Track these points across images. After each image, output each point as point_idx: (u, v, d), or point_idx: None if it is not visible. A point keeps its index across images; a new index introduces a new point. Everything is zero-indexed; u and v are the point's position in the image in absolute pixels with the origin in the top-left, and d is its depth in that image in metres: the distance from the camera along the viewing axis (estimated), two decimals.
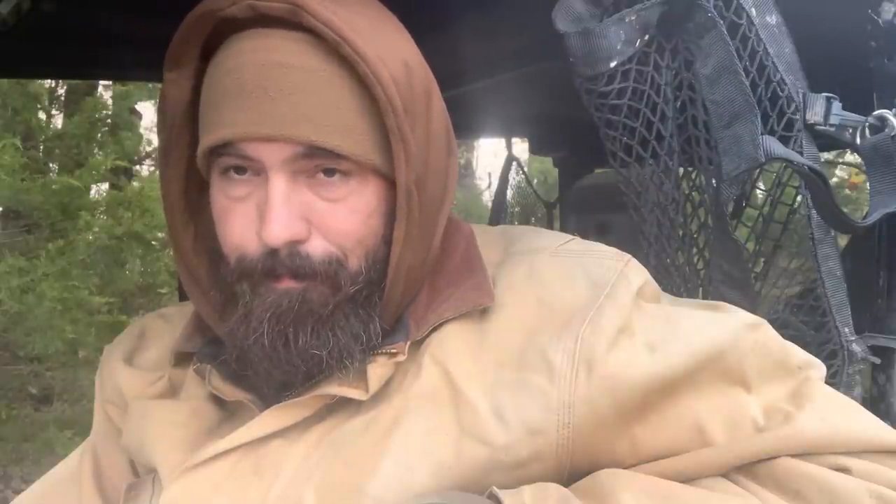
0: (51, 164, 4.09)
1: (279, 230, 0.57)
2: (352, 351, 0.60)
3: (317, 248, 0.60)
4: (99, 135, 3.85)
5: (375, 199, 0.61)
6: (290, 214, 0.58)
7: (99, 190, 4.61)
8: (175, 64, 0.63)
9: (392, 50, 0.60)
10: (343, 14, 0.58)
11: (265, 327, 0.59)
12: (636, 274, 0.65)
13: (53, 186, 3.35)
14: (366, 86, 0.58)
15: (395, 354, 0.62)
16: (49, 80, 4.17)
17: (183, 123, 0.64)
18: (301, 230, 0.59)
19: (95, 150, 3.72)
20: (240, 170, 0.60)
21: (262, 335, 0.59)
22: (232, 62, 0.59)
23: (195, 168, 0.65)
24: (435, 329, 0.63)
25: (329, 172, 0.59)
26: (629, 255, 0.66)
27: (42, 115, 4.03)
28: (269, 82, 0.57)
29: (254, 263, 0.60)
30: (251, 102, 0.57)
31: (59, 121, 4.55)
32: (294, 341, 0.59)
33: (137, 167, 5.22)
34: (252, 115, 0.57)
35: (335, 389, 0.61)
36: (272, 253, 0.59)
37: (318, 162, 0.59)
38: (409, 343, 0.62)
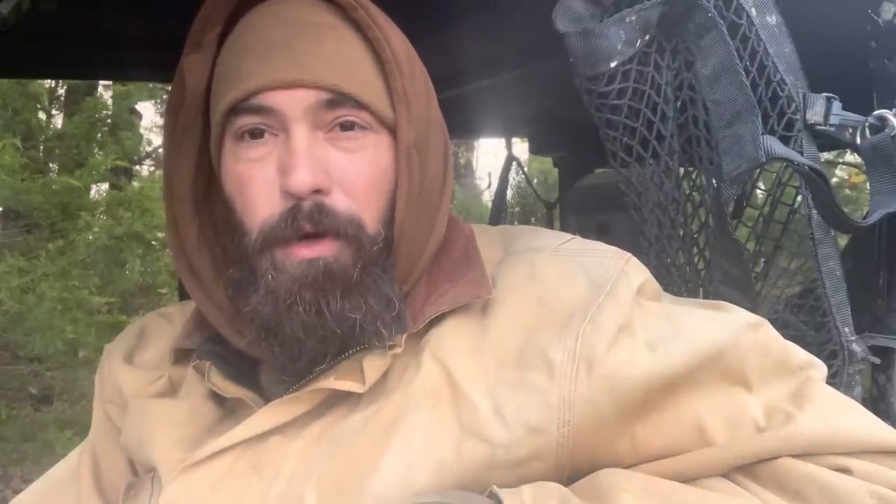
0: (51, 164, 4.09)
1: (305, 176, 0.58)
2: (384, 316, 0.61)
3: (339, 203, 0.60)
4: (99, 135, 3.85)
5: (388, 157, 0.63)
6: (314, 162, 0.59)
7: (99, 190, 4.61)
8: (196, 46, 0.64)
9: (396, 29, 0.64)
10: None
11: (296, 297, 0.58)
12: (637, 272, 0.65)
13: (53, 186, 3.35)
14: (374, 51, 0.61)
15: (391, 347, 0.62)
16: (49, 80, 4.17)
17: (197, 109, 0.65)
18: (325, 180, 0.59)
19: (95, 150, 3.72)
20: (255, 134, 0.61)
21: (294, 304, 0.58)
22: (256, 24, 0.62)
23: (203, 161, 0.66)
24: (434, 325, 0.63)
25: (347, 126, 0.61)
26: (629, 254, 0.66)
27: (42, 115, 4.03)
28: (293, 37, 0.60)
29: (278, 225, 0.59)
30: (275, 54, 0.59)
31: (59, 121, 4.56)
32: (327, 308, 0.59)
33: (137, 167, 5.23)
34: (277, 65, 0.59)
35: (332, 383, 0.61)
36: (296, 209, 0.59)
37: (339, 113, 0.60)
38: (405, 336, 0.62)
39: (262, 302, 0.60)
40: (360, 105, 0.60)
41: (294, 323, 0.59)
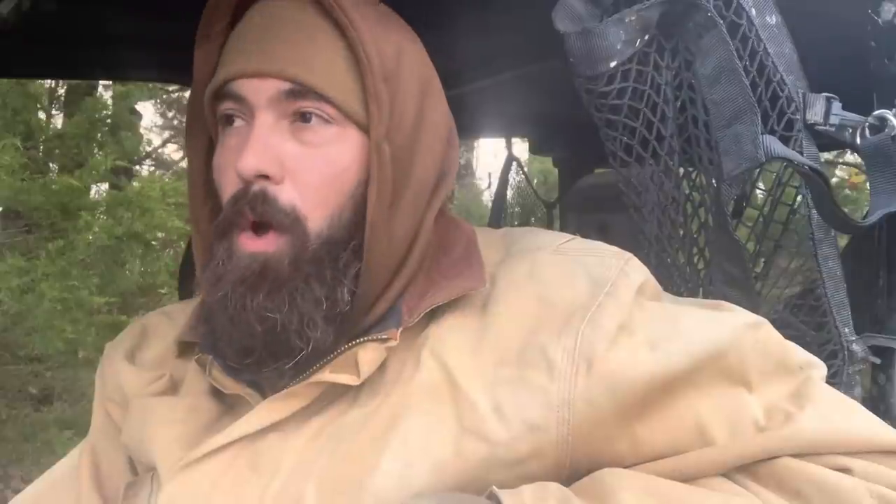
0: (51, 164, 4.09)
1: (250, 159, 0.60)
2: (314, 317, 0.61)
3: (283, 194, 0.61)
4: (99, 135, 3.84)
5: (351, 154, 0.63)
6: (265, 149, 0.60)
7: (99, 190, 4.61)
8: (205, 37, 0.67)
9: (387, 32, 0.64)
10: None
11: (228, 290, 0.60)
12: (637, 272, 0.65)
13: (53, 186, 3.35)
14: (354, 54, 0.62)
15: (386, 340, 0.62)
16: (49, 80, 4.17)
17: (203, 100, 0.67)
18: (274, 168, 0.61)
19: (95, 150, 3.72)
20: (230, 120, 0.64)
21: (226, 297, 0.60)
22: (248, 18, 0.65)
23: (212, 150, 0.68)
24: (434, 323, 0.63)
25: (307, 118, 0.62)
26: (630, 254, 0.66)
27: (42, 115, 4.03)
28: (270, 30, 0.63)
29: (227, 208, 0.62)
30: (250, 47, 0.63)
31: (59, 121, 4.56)
32: (251, 302, 0.60)
33: (137, 167, 5.23)
34: (250, 55, 0.62)
35: (327, 376, 0.61)
36: (242, 193, 0.61)
37: (302, 104, 0.61)
38: (400, 329, 0.62)
39: (209, 290, 0.62)
40: (322, 98, 0.61)
41: (223, 315, 0.60)
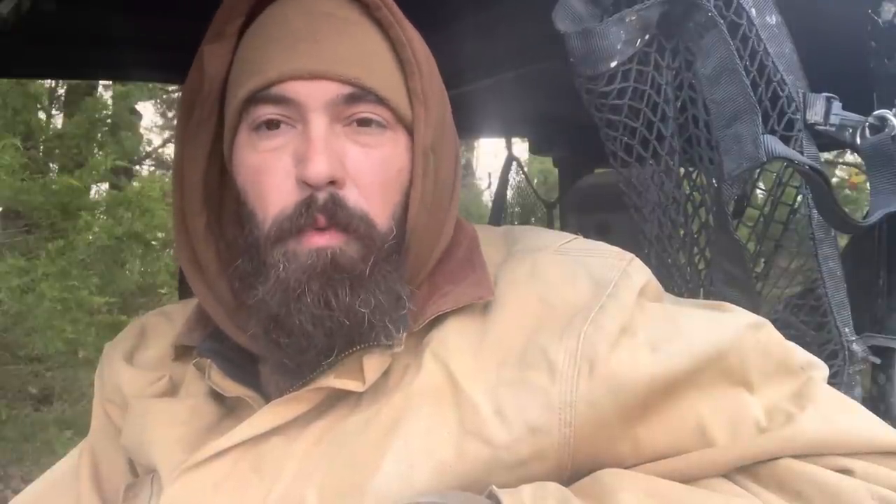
0: (51, 164, 4.09)
1: (322, 165, 0.57)
2: (392, 313, 0.60)
3: (350, 197, 0.60)
4: (99, 135, 3.85)
5: (404, 157, 0.63)
6: (331, 153, 0.58)
7: (99, 190, 4.62)
8: (218, 36, 0.64)
9: (418, 34, 0.64)
10: None
11: (304, 288, 0.58)
12: (639, 273, 0.64)
13: (53, 186, 3.35)
14: (395, 50, 0.61)
15: (391, 346, 0.61)
16: (49, 80, 4.17)
17: (214, 99, 0.64)
18: (341, 171, 0.59)
19: (95, 150, 3.72)
20: (272, 124, 0.60)
21: (304, 294, 0.58)
22: (279, 15, 0.62)
23: (215, 153, 0.66)
24: (436, 326, 0.63)
25: (365, 122, 0.60)
26: (632, 255, 0.66)
27: (42, 115, 4.03)
28: (316, 29, 0.60)
29: (293, 215, 0.59)
30: (298, 45, 0.59)
31: (59, 121, 4.56)
32: (335, 299, 0.58)
33: (137, 167, 5.23)
34: (300, 56, 0.59)
35: (332, 382, 0.61)
36: (311, 199, 0.58)
37: (359, 108, 0.60)
38: (405, 335, 0.62)
39: (270, 292, 0.59)
40: (380, 101, 0.60)
41: (303, 314, 0.58)
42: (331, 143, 0.59)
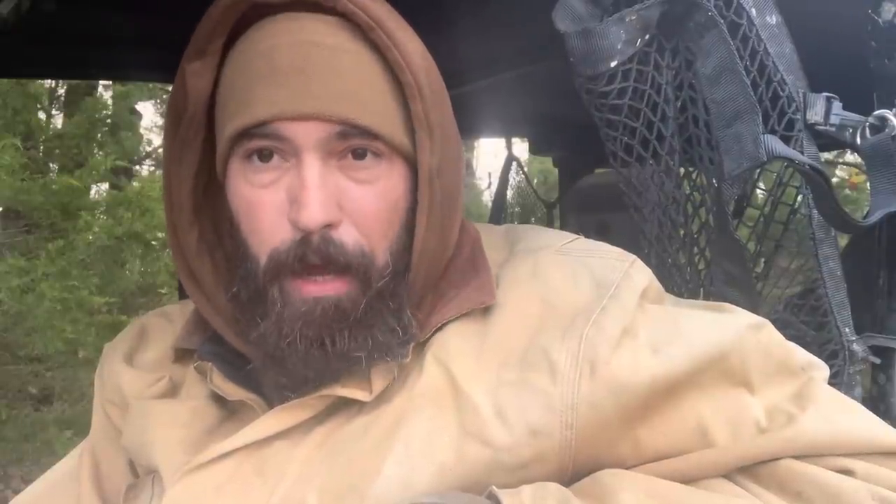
0: (51, 164, 4.09)
1: (317, 212, 0.56)
2: (391, 346, 0.60)
3: (347, 235, 0.59)
4: (99, 135, 3.85)
5: (402, 185, 0.61)
6: (326, 197, 0.57)
7: (99, 190, 4.62)
8: (200, 53, 0.62)
9: (414, 41, 0.62)
10: (373, 2, 0.60)
11: (297, 335, 0.58)
12: (641, 275, 0.64)
13: (53, 186, 3.35)
14: (392, 71, 0.59)
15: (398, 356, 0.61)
16: (49, 80, 4.17)
17: (199, 120, 0.63)
18: (336, 214, 0.58)
19: (95, 150, 3.72)
20: (264, 155, 0.59)
21: (295, 341, 0.58)
22: (263, 44, 0.59)
23: (203, 167, 0.64)
24: (437, 329, 0.63)
25: (360, 154, 0.59)
26: (634, 256, 0.66)
27: (42, 115, 4.04)
28: (304, 61, 0.57)
29: (285, 256, 0.58)
30: (287, 81, 0.57)
31: (59, 121, 4.56)
32: (332, 345, 0.58)
33: (137, 167, 5.23)
34: (289, 94, 0.57)
35: (339, 391, 0.61)
36: (304, 241, 0.57)
37: (352, 143, 0.58)
38: (412, 345, 0.62)
39: (269, 331, 0.59)
40: (374, 136, 0.58)
41: (296, 359, 0.59)
42: (326, 182, 0.57)
